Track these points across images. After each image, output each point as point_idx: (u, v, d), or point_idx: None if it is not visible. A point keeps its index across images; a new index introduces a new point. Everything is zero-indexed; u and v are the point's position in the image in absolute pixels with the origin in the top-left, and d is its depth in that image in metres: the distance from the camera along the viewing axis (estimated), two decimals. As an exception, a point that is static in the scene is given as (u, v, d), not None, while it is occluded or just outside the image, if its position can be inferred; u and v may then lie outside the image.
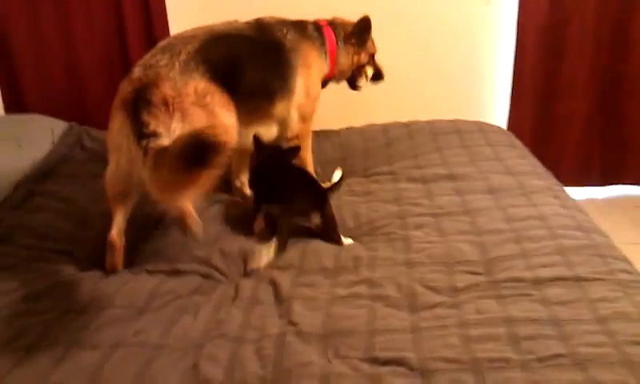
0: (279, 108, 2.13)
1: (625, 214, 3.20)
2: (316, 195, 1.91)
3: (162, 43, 1.92)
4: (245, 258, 1.78)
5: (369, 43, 2.45)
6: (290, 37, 2.17)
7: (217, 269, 1.76)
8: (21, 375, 1.30)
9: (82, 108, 3.05)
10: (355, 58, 2.44)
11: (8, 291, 1.65)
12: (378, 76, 2.54)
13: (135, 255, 1.84)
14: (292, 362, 1.30)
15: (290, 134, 2.21)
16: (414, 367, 1.26)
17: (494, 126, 2.78)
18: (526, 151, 2.50)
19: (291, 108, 2.17)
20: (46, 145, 2.54)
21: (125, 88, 1.78)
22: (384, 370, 1.26)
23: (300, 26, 2.25)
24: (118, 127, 1.74)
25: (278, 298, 1.56)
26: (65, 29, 2.98)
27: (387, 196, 2.11)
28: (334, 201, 2.06)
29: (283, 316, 1.47)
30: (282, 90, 2.11)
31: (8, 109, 3.02)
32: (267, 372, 1.27)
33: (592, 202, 3.29)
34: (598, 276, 1.54)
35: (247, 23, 2.15)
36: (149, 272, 1.73)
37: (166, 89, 1.71)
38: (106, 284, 1.67)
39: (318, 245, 1.81)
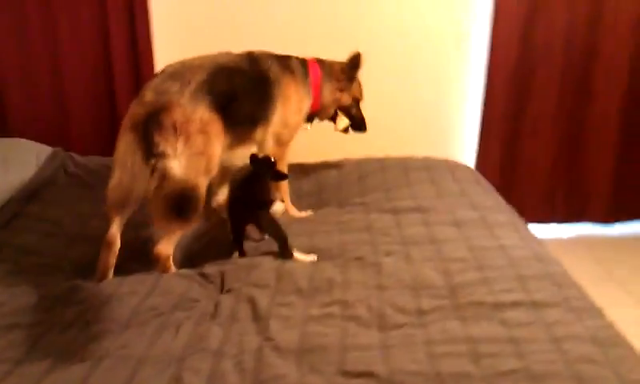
0: (259, 133, 2.28)
1: (587, 251, 3.33)
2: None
3: (170, 70, 2.06)
4: (222, 277, 1.86)
5: (354, 84, 2.56)
6: (274, 69, 2.30)
7: (198, 284, 1.84)
8: (10, 385, 1.35)
9: (66, 134, 3.11)
10: (338, 95, 2.54)
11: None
12: (357, 126, 2.63)
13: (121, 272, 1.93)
14: (269, 374, 1.38)
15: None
16: (382, 380, 1.36)
17: (461, 164, 2.93)
18: (490, 188, 2.63)
19: (267, 134, 2.31)
20: (31, 168, 2.60)
21: (136, 110, 1.95)
22: (355, 382, 1.35)
23: (284, 60, 2.37)
24: (125, 146, 1.90)
25: (256, 315, 1.64)
26: (52, 56, 3.06)
27: (359, 225, 2.21)
28: (306, 226, 2.19)
29: (261, 333, 1.55)
30: (263, 119, 2.26)
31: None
32: (247, 382, 1.36)
33: (557, 240, 3.44)
34: (552, 302, 1.66)
35: (240, 55, 2.28)
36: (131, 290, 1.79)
37: (177, 114, 1.91)
38: (92, 299, 1.74)
39: (293, 266, 1.90)
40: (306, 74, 2.44)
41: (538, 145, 3.38)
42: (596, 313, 1.63)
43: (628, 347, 1.47)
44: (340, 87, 2.53)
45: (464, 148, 3.45)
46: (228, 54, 2.26)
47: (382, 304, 1.67)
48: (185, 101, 1.94)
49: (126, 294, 1.75)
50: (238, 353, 1.47)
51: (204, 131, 1.96)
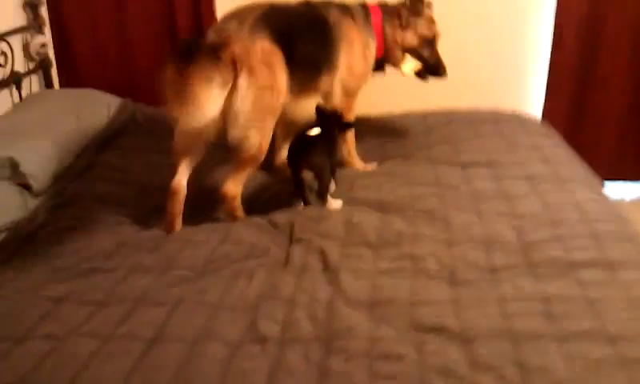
0: (324, 82, 2.22)
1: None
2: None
3: (228, 13, 2.06)
4: (292, 227, 1.88)
5: (420, 21, 2.33)
6: (333, 13, 2.23)
7: (269, 232, 1.88)
8: (93, 327, 1.42)
9: (135, 86, 3.17)
10: (400, 35, 2.34)
11: (74, 251, 1.79)
12: (431, 70, 2.39)
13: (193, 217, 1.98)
14: (341, 325, 1.40)
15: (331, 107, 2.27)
16: (454, 335, 1.36)
17: (530, 116, 2.84)
18: (561, 142, 2.55)
19: (334, 82, 2.24)
20: (103, 119, 2.68)
21: (203, 41, 1.95)
22: (427, 336, 1.36)
23: (343, 5, 2.29)
24: None
25: (326, 266, 1.66)
26: (117, 8, 3.10)
27: (427, 179, 2.18)
28: (373, 180, 2.19)
29: (331, 284, 1.58)
30: (326, 64, 2.20)
31: (64, 84, 3.16)
32: (320, 331, 1.38)
33: (620, 203, 3.32)
34: (629, 261, 1.61)
35: (297, 2, 2.25)
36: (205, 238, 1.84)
37: (236, 48, 1.90)
38: (167, 245, 1.80)
39: (362, 219, 1.89)
40: (367, 17, 2.32)
41: (608, 98, 3.21)
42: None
43: None
44: (402, 25, 2.33)
45: (531, 100, 3.34)
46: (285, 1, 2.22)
47: (453, 259, 1.66)
48: (244, 34, 1.93)
49: (200, 241, 1.80)
50: (310, 302, 1.50)
51: (267, 62, 1.95)
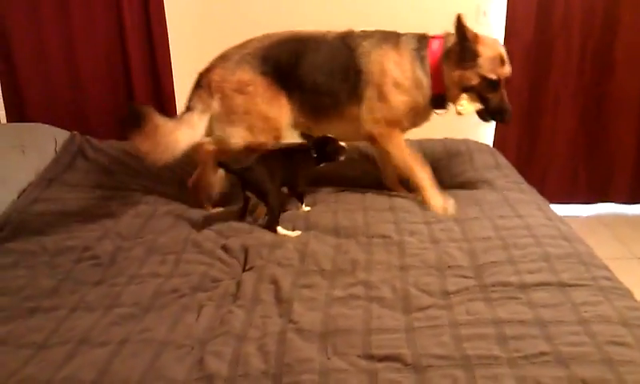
0: (349, 109, 2.24)
1: (608, 230, 3.28)
2: None
3: (253, 39, 2.26)
4: (245, 254, 1.86)
5: (482, 60, 2.12)
6: (367, 43, 2.22)
7: (220, 261, 1.84)
8: (30, 373, 1.34)
9: (84, 118, 3.11)
10: (458, 73, 2.16)
11: (15, 289, 1.71)
12: (491, 112, 2.21)
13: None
14: (293, 357, 1.36)
15: (362, 135, 2.29)
16: (408, 363, 1.33)
17: (480, 143, 2.88)
18: (511, 169, 2.60)
19: (362, 111, 2.23)
20: (50, 153, 2.62)
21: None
22: (380, 365, 1.33)
23: (387, 35, 2.26)
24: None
25: (279, 297, 1.62)
26: (67, 40, 3.05)
27: (382, 205, 2.19)
28: (330, 206, 2.19)
29: (283, 315, 1.53)
30: (349, 94, 2.21)
31: (10, 118, 3.08)
32: (270, 366, 1.34)
33: (576, 219, 3.38)
34: (580, 282, 1.62)
35: (336, 32, 2.28)
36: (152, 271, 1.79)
37: (214, 75, 2.19)
38: (112, 280, 1.74)
39: (316, 247, 1.88)
40: (421, 49, 2.20)
41: (558, 121, 3.30)
42: (625, 293, 1.59)
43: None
44: (461, 64, 2.15)
45: (482, 128, 3.38)
46: (322, 31, 2.29)
47: (407, 285, 1.65)
48: (230, 64, 2.18)
49: (147, 275, 1.75)
50: (261, 336, 1.45)
51: (243, 92, 2.16)
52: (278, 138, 2.23)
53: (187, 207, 2.27)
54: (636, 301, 1.56)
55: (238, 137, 2.19)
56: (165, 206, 2.28)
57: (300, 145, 2.23)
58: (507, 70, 2.18)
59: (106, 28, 3.05)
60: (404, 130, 2.29)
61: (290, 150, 2.19)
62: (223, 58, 2.22)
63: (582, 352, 1.34)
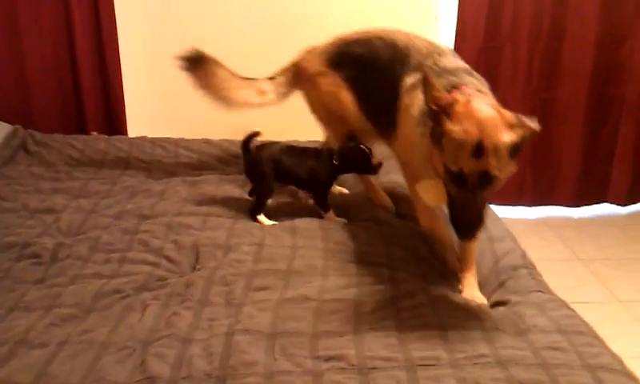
0: (386, 136, 2.06)
1: (553, 232, 3.37)
2: None
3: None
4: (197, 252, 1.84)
5: (444, 141, 1.51)
6: (408, 80, 1.88)
7: (168, 260, 1.81)
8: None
9: (27, 112, 3.01)
10: (430, 151, 1.62)
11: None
12: (452, 218, 1.57)
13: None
14: (238, 359, 1.34)
15: None
16: (353, 365, 1.34)
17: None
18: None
19: (393, 145, 2.04)
20: (-10, 146, 2.52)
21: None
22: (326, 366, 1.34)
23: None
24: None
25: (229, 297, 1.60)
26: (12, 32, 2.94)
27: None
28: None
29: (231, 316, 1.52)
30: (388, 125, 1.99)
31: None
32: (214, 368, 1.32)
33: (522, 221, 3.48)
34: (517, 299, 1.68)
35: (396, 51, 2.01)
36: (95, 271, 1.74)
37: (302, 61, 2.33)
38: (53, 279, 1.69)
39: (272, 249, 1.87)
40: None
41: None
42: (559, 304, 1.65)
43: (592, 335, 1.49)
44: (432, 138, 1.59)
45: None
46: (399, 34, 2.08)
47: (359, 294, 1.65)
48: (314, 52, 2.28)
49: (90, 275, 1.70)
50: (207, 338, 1.43)
51: (317, 82, 2.24)
52: (350, 135, 2.15)
53: (129, 199, 2.23)
54: (570, 309, 1.62)
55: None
56: (107, 199, 2.22)
57: (324, 148, 2.21)
58: (482, 164, 1.49)
59: (53, 20, 2.96)
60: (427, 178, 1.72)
61: (310, 151, 2.15)
62: (314, 48, 2.30)
63: (520, 356, 1.38)
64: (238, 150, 2.15)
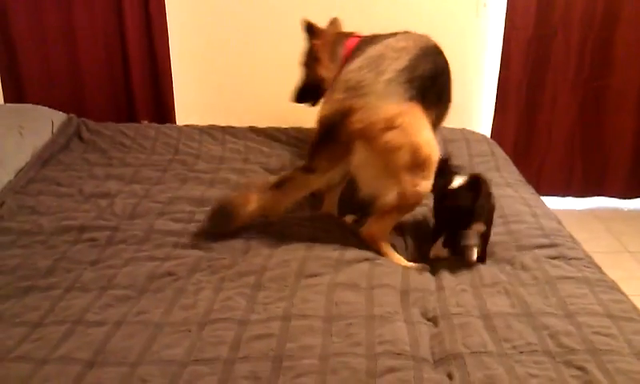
0: None
1: (602, 224, 3.31)
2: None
3: (372, 52, 1.94)
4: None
5: None
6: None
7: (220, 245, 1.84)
8: (27, 350, 1.34)
9: (81, 100, 3.10)
10: None
11: (11, 268, 1.70)
12: None
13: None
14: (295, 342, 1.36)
15: None
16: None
17: (477, 134, 2.89)
18: (504, 160, 2.62)
19: None
20: (47, 134, 2.61)
21: (324, 108, 1.91)
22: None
23: None
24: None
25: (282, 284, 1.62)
26: (66, 23, 3.03)
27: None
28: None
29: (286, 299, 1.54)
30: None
31: (8, 99, 3.06)
32: (270, 349, 1.34)
33: (572, 212, 3.42)
34: (568, 275, 1.66)
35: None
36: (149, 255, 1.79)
37: (355, 123, 1.79)
38: (107, 262, 1.74)
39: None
40: None
41: (556, 115, 3.31)
42: (611, 286, 1.62)
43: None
44: None
45: (481, 118, 3.40)
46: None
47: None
48: (370, 98, 1.79)
49: (143, 258, 1.75)
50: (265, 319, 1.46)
51: (392, 127, 1.77)
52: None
53: (181, 186, 2.27)
54: (621, 294, 1.59)
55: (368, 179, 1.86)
56: (159, 186, 2.27)
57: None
58: None
59: (105, 11, 3.03)
60: None
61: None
62: (357, 94, 1.82)
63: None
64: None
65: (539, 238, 1.89)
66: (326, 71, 2.35)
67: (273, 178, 1.98)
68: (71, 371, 1.27)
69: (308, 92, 2.44)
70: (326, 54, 2.35)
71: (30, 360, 1.31)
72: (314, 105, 2.43)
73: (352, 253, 1.79)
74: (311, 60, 2.39)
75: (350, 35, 2.38)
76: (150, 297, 1.57)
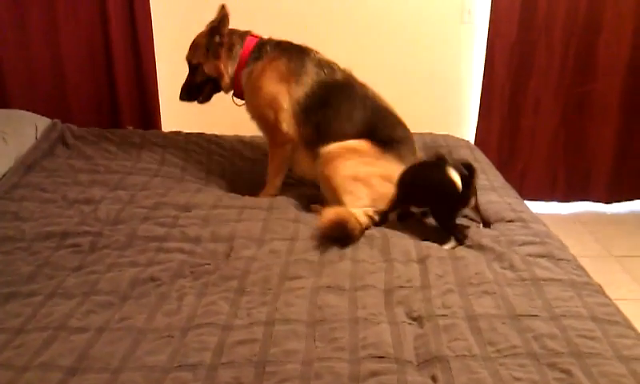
0: None
1: (585, 228, 3.34)
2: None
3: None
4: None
5: None
6: None
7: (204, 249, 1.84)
8: (7, 357, 1.33)
9: (65, 106, 3.09)
10: None
11: (-8, 274, 1.68)
12: None
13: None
14: (278, 347, 1.36)
15: None
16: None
17: (460, 139, 2.92)
18: (487, 165, 2.63)
19: None
20: (30, 140, 2.59)
21: None
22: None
23: None
24: None
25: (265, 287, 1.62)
26: (50, 27, 3.02)
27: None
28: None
29: (269, 304, 1.54)
30: None
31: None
32: (253, 354, 1.33)
33: (554, 216, 3.44)
34: (552, 277, 1.66)
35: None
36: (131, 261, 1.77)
37: None
38: (89, 268, 1.73)
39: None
40: None
41: (539, 121, 3.35)
42: (596, 290, 1.63)
43: (627, 325, 1.47)
44: None
45: (464, 124, 3.43)
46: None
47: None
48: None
49: (126, 264, 1.74)
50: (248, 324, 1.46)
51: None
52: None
53: (166, 192, 2.26)
54: (606, 297, 1.60)
55: None
56: (145, 191, 2.26)
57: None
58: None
59: (88, 15, 3.04)
60: None
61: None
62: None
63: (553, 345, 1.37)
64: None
65: (529, 236, 1.91)
66: (224, 68, 2.39)
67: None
68: (53, 378, 1.26)
69: (197, 89, 2.46)
70: (225, 51, 2.38)
71: (10, 367, 1.30)
72: (202, 102, 2.47)
73: (332, 253, 1.81)
74: (210, 55, 2.39)
75: (246, 34, 2.42)
76: (133, 303, 1.56)
